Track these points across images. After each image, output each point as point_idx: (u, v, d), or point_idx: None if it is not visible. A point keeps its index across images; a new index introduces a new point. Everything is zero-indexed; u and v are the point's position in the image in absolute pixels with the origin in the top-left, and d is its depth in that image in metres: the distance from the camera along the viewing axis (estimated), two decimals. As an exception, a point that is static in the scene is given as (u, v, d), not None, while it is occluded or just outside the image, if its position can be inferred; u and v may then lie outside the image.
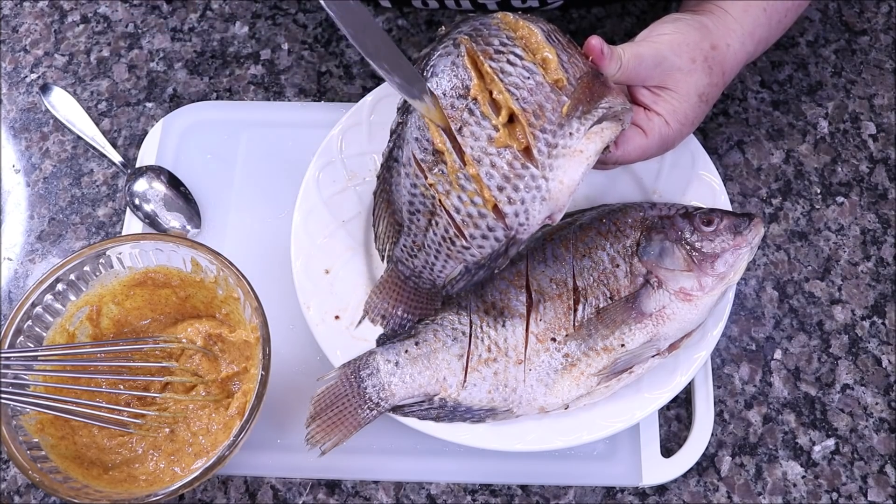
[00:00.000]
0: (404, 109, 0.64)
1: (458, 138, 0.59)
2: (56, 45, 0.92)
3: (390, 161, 0.65)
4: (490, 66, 0.59)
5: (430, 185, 0.61)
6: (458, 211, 0.60)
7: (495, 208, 0.59)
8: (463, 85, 0.59)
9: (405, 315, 0.69)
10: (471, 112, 0.59)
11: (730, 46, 0.67)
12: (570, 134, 0.58)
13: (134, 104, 0.89)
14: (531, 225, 0.59)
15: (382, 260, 0.70)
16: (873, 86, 0.86)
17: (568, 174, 0.58)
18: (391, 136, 0.65)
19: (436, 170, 0.61)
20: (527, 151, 0.58)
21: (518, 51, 0.59)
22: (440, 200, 0.61)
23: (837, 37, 0.89)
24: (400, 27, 0.91)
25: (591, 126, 0.58)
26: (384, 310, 0.69)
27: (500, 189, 0.59)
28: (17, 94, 0.90)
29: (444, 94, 0.60)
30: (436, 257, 0.64)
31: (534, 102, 0.58)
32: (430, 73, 0.61)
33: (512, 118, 0.59)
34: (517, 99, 0.58)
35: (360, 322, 0.70)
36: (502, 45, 0.60)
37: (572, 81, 0.59)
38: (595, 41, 0.61)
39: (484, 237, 0.61)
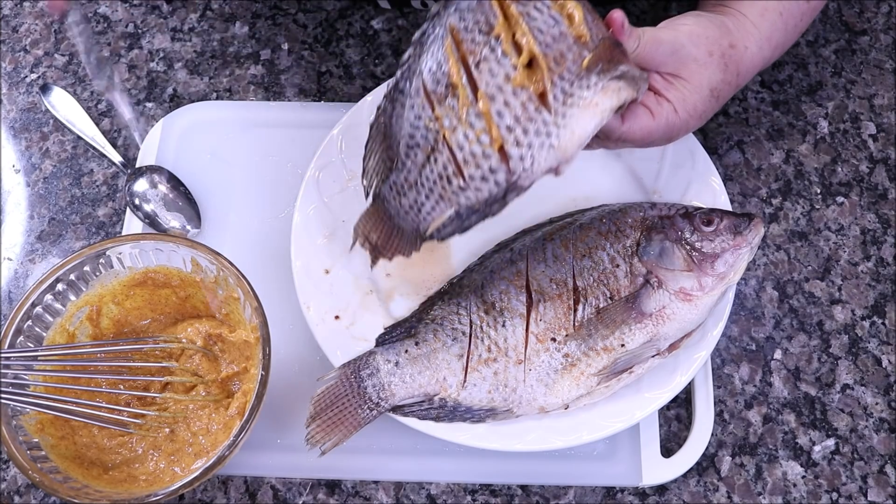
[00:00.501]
0: (419, 42, 0.62)
1: (475, 73, 0.58)
2: (56, 45, 0.92)
3: (395, 93, 0.63)
4: (516, 9, 0.58)
5: (437, 117, 0.59)
6: (461, 148, 0.59)
7: (501, 150, 0.58)
8: (487, 21, 0.58)
9: (381, 243, 0.67)
10: (491, 49, 0.58)
11: (748, 49, 0.67)
12: (588, 86, 0.57)
13: (134, 104, 0.89)
14: (535, 172, 0.58)
15: (367, 197, 0.67)
16: (873, 86, 0.86)
17: (580, 124, 0.57)
18: (400, 67, 0.63)
19: (445, 103, 0.59)
20: (542, 97, 0.57)
21: (547, 0, 0.58)
22: (444, 135, 0.59)
23: (837, 37, 0.89)
24: (400, 27, 0.91)
25: (609, 82, 0.57)
26: (367, 233, 0.67)
27: (510, 129, 0.57)
28: (17, 94, 0.90)
29: (466, 29, 0.59)
30: (427, 196, 0.62)
31: (556, 49, 0.57)
32: (454, 7, 0.60)
33: (531, 63, 0.57)
34: (540, 43, 0.57)
35: (353, 245, 0.68)
36: None
37: (595, 40, 0.58)
38: (618, 14, 0.60)
39: (483, 179, 0.59)
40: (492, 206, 0.60)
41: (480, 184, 0.59)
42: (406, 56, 0.62)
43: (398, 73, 0.63)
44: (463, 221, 0.62)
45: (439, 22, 0.60)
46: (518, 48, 0.57)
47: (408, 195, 0.63)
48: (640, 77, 0.59)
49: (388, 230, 0.66)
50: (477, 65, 0.58)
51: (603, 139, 0.64)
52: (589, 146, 0.65)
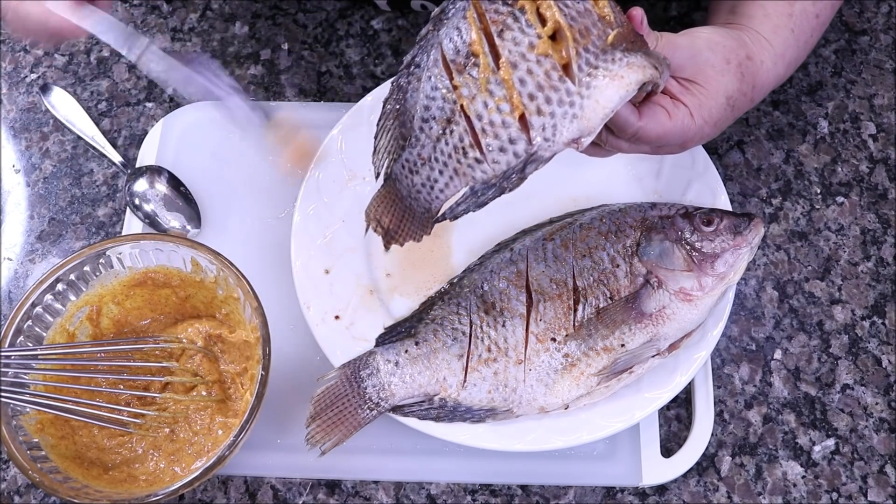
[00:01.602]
0: (438, 18, 0.61)
1: (497, 41, 0.56)
2: (56, 44, 0.92)
3: (410, 67, 0.62)
4: None
5: (455, 87, 0.58)
6: (479, 118, 0.57)
7: (521, 119, 0.56)
8: None
9: (392, 227, 0.65)
10: (515, 18, 0.57)
11: (763, 63, 0.67)
12: (613, 60, 0.56)
13: (134, 104, 0.89)
14: (556, 142, 0.56)
15: (377, 178, 0.65)
16: (873, 86, 0.86)
17: (605, 95, 0.55)
18: (417, 42, 0.62)
19: (465, 72, 0.58)
20: (566, 68, 0.56)
21: None
22: (462, 105, 0.58)
23: (837, 37, 0.89)
24: (400, 27, 0.91)
25: (635, 58, 0.56)
26: (378, 217, 0.66)
27: (532, 98, 0.56)
28: (17, 94, 0.90)
29: (490, 0, 0.58)
30: (441, 172, 0.60)
31: (581, 23, 0.56)
32: None
33: (555, 36, 0.56)
34: (565, 15, 0.56)
35: (367, 230, 0.67)
36: None
37: (619, 22, 0.57)
38: (638, 11, 0.60)
39: (502, 150, 0.57)
40: (509, 178, 0.58)
41: (498, 155, 0.57)
42: (423, 31, 0.61)
43: (414, 48, 0.61)
44: (478, 197, 0.59)
45: None
46: (542, 20, 0.56)
47: (421, 172, 0.61)
48: (665, 61, 0.58)
49: (399, 212, 0.65)
50: (500, 33, 0.56)
51: (619, 135, 0.63)
52: (602, 152, 0.65)
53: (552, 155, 0.57)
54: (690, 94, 0.64)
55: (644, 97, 0.61)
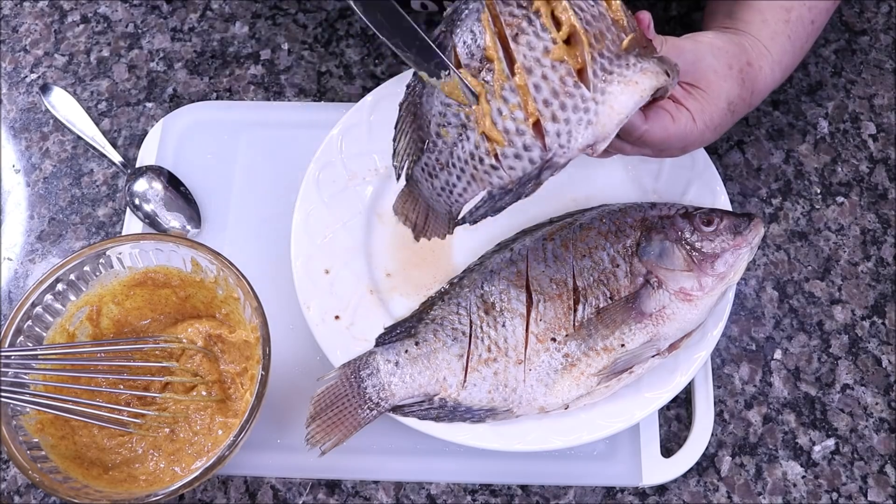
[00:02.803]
0: (450, 19, 0.60)
1: (512, 45, 0.56)
2: (56, 45, 0.92)
3: None
4: None
5: None
6: (494, 125, 0.57)
7: (536, 125, 0.56)
8: None
9: (419, 223, 0.66)
10: (530, 21, 0.56)
11: (762, 69, 0.68)
12: (627, 65, 0.56)
13: (134, 104, 0.89)
14: (571, 149, 0.56)
15: (398, 179, 0.65)
16: (873, 86, 0.86)
17: (620, 101, 0.55)
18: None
19: (479, 77, 0.58)
20: (580, 73, 0.56)
21: None
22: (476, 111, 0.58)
23: (837, 37, 0.89)
24: (400, 27, 0.91)
25: (648, 63, 0.56)
26: (406, 213, 0.66)
27: (546, 104, 0.55)
28: (17, 94, 0.90)
29: (504, 2, 0.57)
30: (458, 178, 0.61)
31: (596, 27, 0.56)
32: None
33: (569, 40, 0.56)
34: (581, 19, 0.55)
35: (399, 222, 0.68)
36: None
37: (631, 27, 0.57)
38: (645, 15, 0.60)
39: (517, 156, 0.57)
40: (525, 185, 0.58)
41: (514, 161, 0.57)
42: (436, 32, 0.60)
43: None
44: (496, 202, 0.60)
45: None
46: (557, 24, 0.56)
47: (439, 176, 0.62)
48: (675, 67, 0.58)
49: (423, 211, 0.65)
50: (514, 38, 0.56)
51: (623, 137, 0.63)
52: (604, 154, 0.65)
53: (567, 161, 0.57)
54: (693, 98, 0.64)
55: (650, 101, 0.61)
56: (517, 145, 0.57)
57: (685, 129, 0.64)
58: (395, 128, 0.64)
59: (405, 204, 0.66)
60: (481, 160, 0.59)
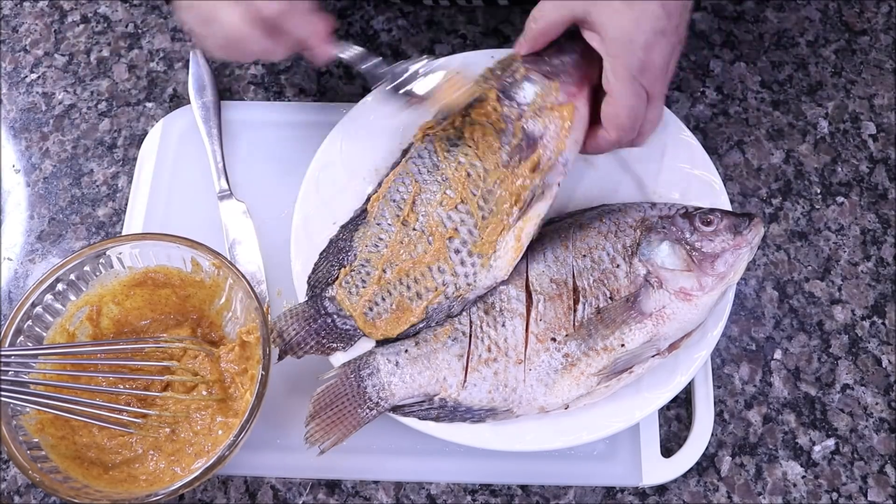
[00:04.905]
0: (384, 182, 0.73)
1: (417, 200, 0.70)
2: (56, 45, 0.92)
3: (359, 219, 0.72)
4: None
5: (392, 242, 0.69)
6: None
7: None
8: (433, 164, 0.70)
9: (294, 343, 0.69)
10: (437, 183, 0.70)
11: None
12: (500, 247, 0.68)
13: (134, 104, 0.89)
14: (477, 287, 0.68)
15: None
16: (873, 86, 0.86)
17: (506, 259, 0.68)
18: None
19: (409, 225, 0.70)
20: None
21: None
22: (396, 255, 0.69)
23: (837, 37, 0.89)
24: (400, 27, 0.91)
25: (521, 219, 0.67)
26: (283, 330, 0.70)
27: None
28: (17, 94, 0.90)
29: (420, 172, 0.71)
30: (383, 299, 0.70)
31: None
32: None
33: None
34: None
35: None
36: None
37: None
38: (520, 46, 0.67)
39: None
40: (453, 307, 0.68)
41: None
42: (372, 189, 0.73)
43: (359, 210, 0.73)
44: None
45: None
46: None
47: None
48: (547, 185, 0.68)
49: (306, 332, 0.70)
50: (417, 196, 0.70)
51: (593, 152, 0.70)
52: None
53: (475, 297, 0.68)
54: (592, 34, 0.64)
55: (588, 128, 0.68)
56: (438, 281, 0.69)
57: (616, 93, 0.63)
58: (321, 255, 0.72)
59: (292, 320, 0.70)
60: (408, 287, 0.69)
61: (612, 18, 0.62)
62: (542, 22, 0.66)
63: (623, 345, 0.66)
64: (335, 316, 0.69)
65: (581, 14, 0.64)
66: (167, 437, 0.68)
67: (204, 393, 0.69)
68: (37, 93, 0.89)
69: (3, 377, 0.61)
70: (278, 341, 0.68)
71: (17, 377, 0.63)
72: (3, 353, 0.62)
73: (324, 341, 0.69)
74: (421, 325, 0.68)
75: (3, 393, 0.61)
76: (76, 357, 0.67)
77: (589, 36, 0.64)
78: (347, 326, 0.69)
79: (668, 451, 0.72)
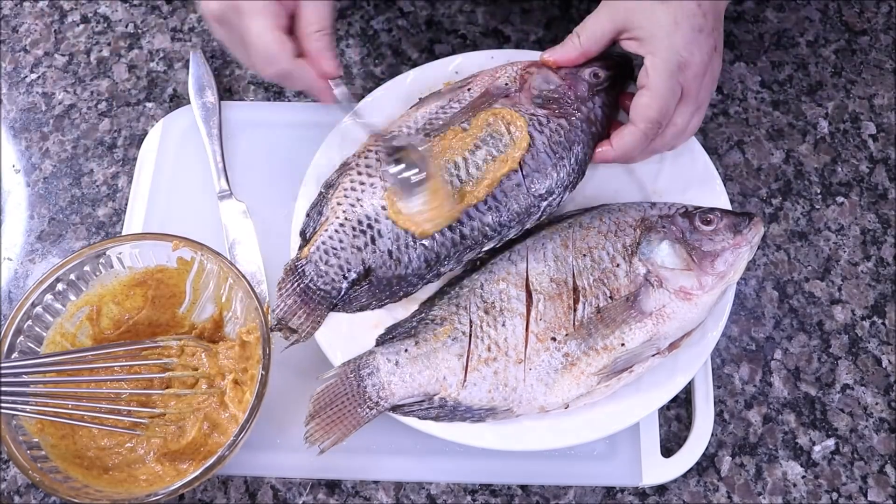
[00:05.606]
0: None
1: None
2: (56, 45, 0.92)
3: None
4: None
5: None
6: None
7: None
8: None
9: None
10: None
11: None
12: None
13: (134, 104, 0.89)
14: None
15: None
16: (873, 86, 0.86)
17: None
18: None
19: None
20: None
21: None
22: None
23: (837, 37, 0.89)
24: (400, 27, 0.91)
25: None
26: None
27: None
28: (17, 94, 0.90)
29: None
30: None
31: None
32: None
33: None
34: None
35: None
36: None
37: None
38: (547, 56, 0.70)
39: None
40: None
41: None
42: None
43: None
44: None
45: None
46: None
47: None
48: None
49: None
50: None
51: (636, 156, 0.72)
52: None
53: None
54: (644, 53, 0.66)
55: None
56: None
57: (651, 85, 0.65)
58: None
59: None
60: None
61: (650, 18, 0.65)
62: (586, 36, 0.69)
63: (623, 344, 0.66)
64: (313, 276, 0.70)
65: (621, 22, 0.66)
66: (172, 435, 0.67)
67: (204, 387, 0.69)
68: (37, 93, 0.89)
69: (3, 388, 0.61)
70: (273, 321, 0.69)
71: (17, 388, 0.62)
72: (2, 364, 0.62)
73: (312, 304, 0.70)
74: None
75: (3, 405, 0.60)
76: (76, 362, 0.67)
77: (628, 44, 0.67)
78: (328, 287, 0.70)
79: (668, 451, 0.72)
